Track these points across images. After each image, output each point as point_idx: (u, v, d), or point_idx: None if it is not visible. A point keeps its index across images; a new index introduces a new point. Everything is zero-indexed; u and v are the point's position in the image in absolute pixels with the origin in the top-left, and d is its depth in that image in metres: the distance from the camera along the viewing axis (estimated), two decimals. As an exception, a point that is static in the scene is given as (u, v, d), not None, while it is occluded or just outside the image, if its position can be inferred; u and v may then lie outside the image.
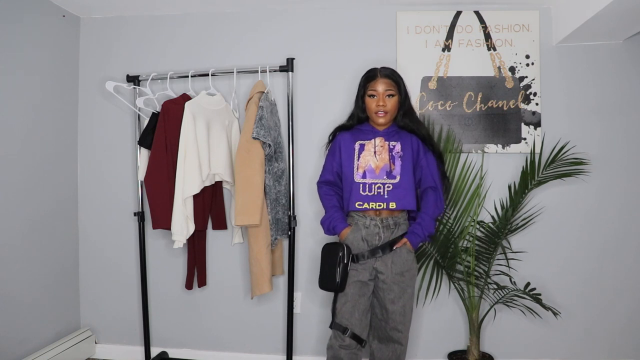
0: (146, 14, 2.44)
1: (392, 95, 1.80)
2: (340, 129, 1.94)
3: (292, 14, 2.36)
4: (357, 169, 1.82)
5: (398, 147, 1.83)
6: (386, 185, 1.79)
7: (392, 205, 1.78)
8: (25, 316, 2.13)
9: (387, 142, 1.84)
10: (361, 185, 1.80)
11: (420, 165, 1.85)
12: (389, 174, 1.80)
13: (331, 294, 1.93)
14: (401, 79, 1.84)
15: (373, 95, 1.81)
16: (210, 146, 2.08)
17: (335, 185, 1.93)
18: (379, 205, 1.78)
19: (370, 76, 1.83)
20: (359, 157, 1.84)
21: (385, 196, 1.78)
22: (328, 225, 1.87)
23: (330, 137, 1.97)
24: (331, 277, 1.77)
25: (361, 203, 1.79)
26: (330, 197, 1.91)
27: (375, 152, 1.82)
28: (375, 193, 1.79)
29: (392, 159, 1.81)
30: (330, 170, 1.92)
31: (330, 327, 1.82)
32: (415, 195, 1.84)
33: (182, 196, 1.99)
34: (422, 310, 2.29)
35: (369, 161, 1.82)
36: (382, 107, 1.79)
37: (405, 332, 1.82)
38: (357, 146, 1.85)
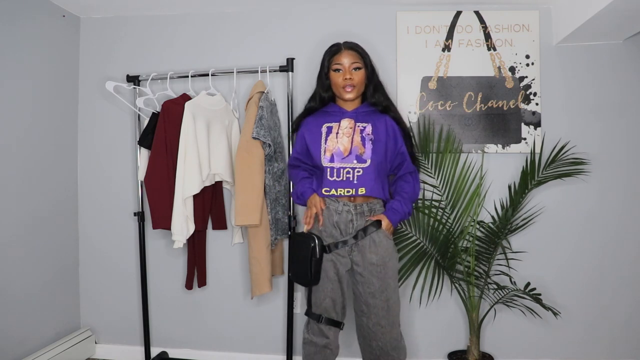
0: (146, 14, 2.43)
1: (359, 68, 1.72)
2: (304, 116, 1.84)
3: (292, 14, 2.36)
4: (325, 152, 1.71)
5: (369, 128, 1.71)
6: (356, 170, 1.66)
7: (362, 190, 1.66)
8: (25, 316, 2.12)
9: (356, 124, 1.72)
10: (329, 169, 1.69)
11: (400, 152, 1.76)
12: (359, 158, 1.68)
13: None
14: (366, 53, 1.78)
15: (338, 70, 1.72)
16: (210, 146, 2.08)
17: (305, 164, 1.83)
18: (348, 192, 1.66)
19: (334, 50, 1.75)
20: (326, 140, 1.73)
21: (355, 181, 1.66)
22: (296, 193, 1.81)
23: (294, 127, 1.88)
24: (303, 272, 1.65)
25: (328, 189, 1.68)
26: (297, 172, 1.86)
27: (343, 134, 1.71)
28: (344, 178, 1.67)
29: (362, 140, 1.69)
30: (297, 152, 1.84)
31: (306, 313, 1.75)
32: (386, 182, 1.76)
33: (182, 196, 1.99)
34: (422, 310, 2.29)
35: (337, 144, 1.70)
36: (349, 80, 1.69)
37: (388, 327, 1.66)
38: (324, 129, 1.75)
